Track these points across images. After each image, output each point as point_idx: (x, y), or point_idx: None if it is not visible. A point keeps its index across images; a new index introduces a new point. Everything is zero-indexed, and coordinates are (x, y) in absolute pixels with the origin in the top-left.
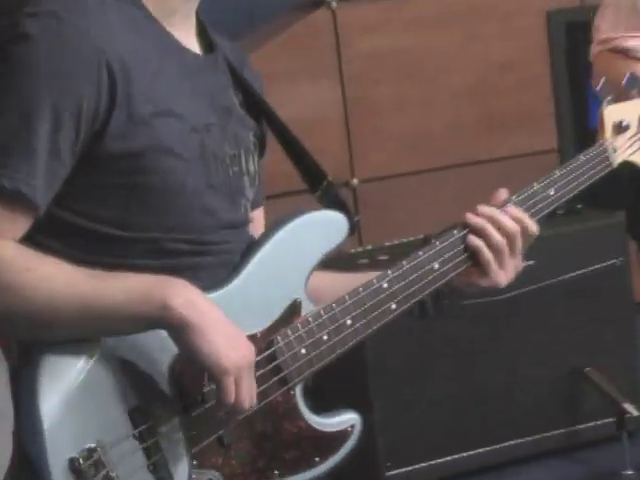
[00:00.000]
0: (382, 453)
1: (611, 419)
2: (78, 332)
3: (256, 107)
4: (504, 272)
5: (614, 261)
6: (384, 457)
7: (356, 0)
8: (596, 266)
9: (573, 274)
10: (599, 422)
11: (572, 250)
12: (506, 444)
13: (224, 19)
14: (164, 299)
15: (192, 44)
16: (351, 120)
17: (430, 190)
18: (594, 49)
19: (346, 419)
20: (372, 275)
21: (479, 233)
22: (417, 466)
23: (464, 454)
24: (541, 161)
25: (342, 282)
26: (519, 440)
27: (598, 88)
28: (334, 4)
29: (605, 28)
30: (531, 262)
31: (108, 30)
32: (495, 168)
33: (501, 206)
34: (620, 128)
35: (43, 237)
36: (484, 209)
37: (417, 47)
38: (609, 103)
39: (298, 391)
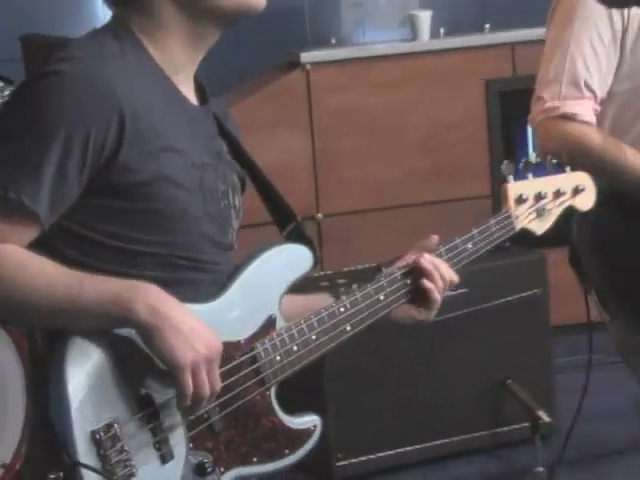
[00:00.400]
0: (334, 446)
1: (527, 424)
2: (62, 324)
3: (238, 154)
4: (436, 306)
5: (535, 291)
6: (336, 450)
7: (326, 64)
8: (520, 295)
9: (500, 301)
10: (517, 426)
11: (500, 281)
12: (440, 441)
13: (217, 74)
14: (129, 304)
15: (191, 96)
16: (319, 166)
17: (386, 225)
18: (537, 117)
19: (310, 420)
20: (325, 297)
21: (429, 277)
22: (364, 458)
23: (404, 449)
24: (478, 203)
25: (301, 303)
26: (452, 439)
27: (540, 160)
28: (308, 66)
29: (549, 98)
30: (465, 290)
31: (124, 76)
32: (441, 208)
33: (435, 251)
34: (520, 200)
35: (61, 245)
36: (432, 258)
37: (378, 105)
38: (511, 181)
39: (273, 392)
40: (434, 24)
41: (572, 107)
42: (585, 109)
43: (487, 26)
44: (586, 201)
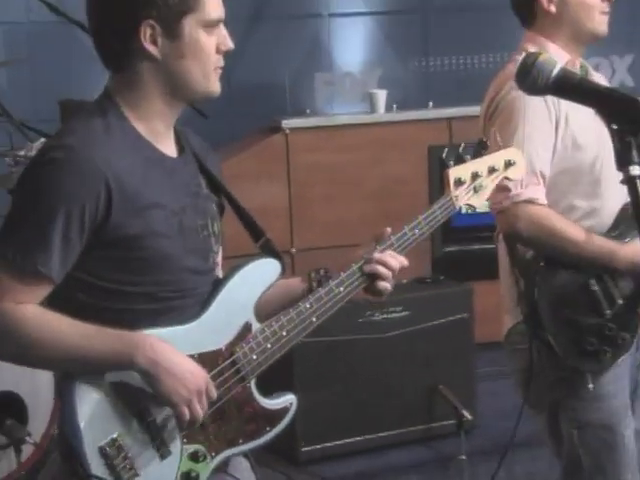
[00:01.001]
0: (299, 434)
1: (454, 421)
2: (73, 372)
3: (216, 186)
4: (386, 292)
5: (463, 315)
6: (301, 437)
7: (302, 129)
8: (451, 317)
9: (435, 322)
10: (446, 422)
11: (436, 306)
12: (385, 433)
13: (212, 135)
14: (133, 358)
15: (170, 149)
16: (293, 209)
17: (347, 258)
18: (504, 202)
19: (286, 399)
20: (296, 280)
21: (380, 263)
22: (325, 444)
23: (355, 438)
24: (419, 244)
25: (277, 290)
26: (394, 431)
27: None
28: (287, 131)
29: (513, 186)
30: (408, 312)
31: (109, 152)
32: None
33: (386, 245)
34: (459, 182)
35: (69, 290)
36: (379, 258)
37: (342, 163)
38: (450, 167)
39: (252, 384)
40: (388, 101)
41: (533, 193)
42: (541, 194)
43: (430, 104)
44: (517, 172)
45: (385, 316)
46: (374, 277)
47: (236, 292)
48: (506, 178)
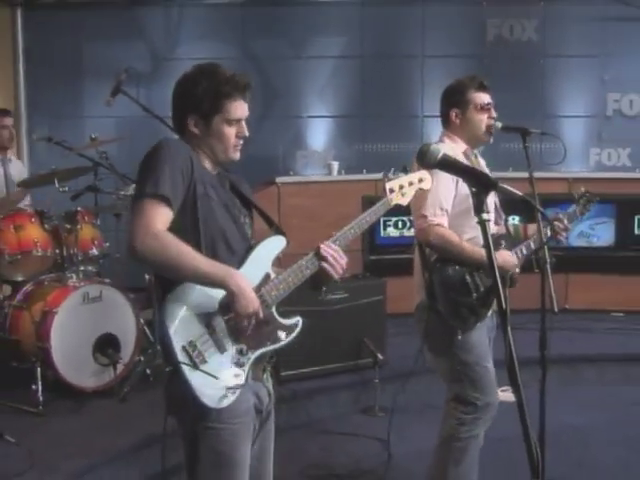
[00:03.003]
0: (280, 363)
1: (372, 359)
2: (187, 279)
3: (245, 201)
4: (336, 273)
5: (380, 297)
6: (281, 365)
7: (289, 183)
8: (373, 298)
9: (363, 301)
10: (367, 360)
11: (364, 291)
12: (333, 365)
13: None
14: (227, 279)
15: (213, 171)
16: None
17: None
18: (423, 224)
19: (295, 320)
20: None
21: (325, 260)
22: (297, 370)
23: (315, 367)
24: (355, 255)
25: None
26: (339, 364)
27: (421, 243)
28: (280, 184)
29: (429, 214)
30: (346, 295)
31: (188, 154)
32: None
33: (332, 239)
34: (392, 190)
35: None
36: (326, 247)
37: (312, 205)
38: (390, 178)
39: (274, 309)
40: (339, 168)
41: (440, 220)
42: (445, 221)
43: (364, 170)
44: (426, 184)
45: (333, 296)
46: (323, 259)
47: (261, 255)
48: (420, 188)
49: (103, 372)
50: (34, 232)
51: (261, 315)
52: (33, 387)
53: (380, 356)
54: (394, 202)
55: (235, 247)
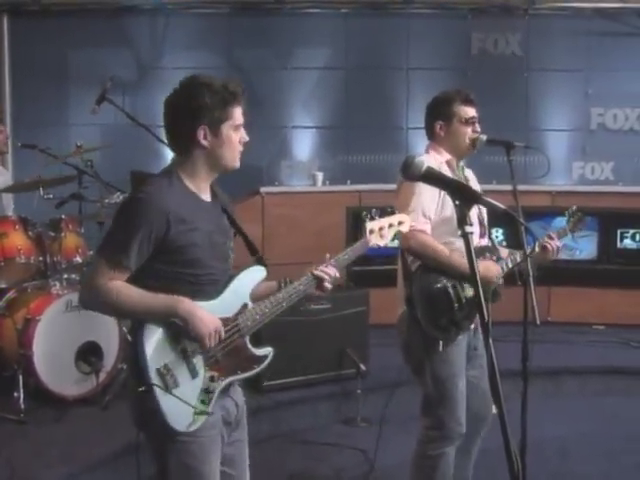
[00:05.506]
0: (263, 373)
1: (354, 370)
2: (142, 319)
3: (232, 221)
4: (327, 290)
5: (363, 308)
6: (264, 375)
7: (273, 193)
8: (356, 309)
9: (346, 312)
10: (350, 370)
11: (347, 302)
12: (314, 375)
13: None
14: (176, 309)
15: (207, 196)
16: (265, 241)
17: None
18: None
19: (266, 350)
20: (272, 283)
21: (324, 271)
22: (279, 380)
23: (298, 378)
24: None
25: (261, 288)
26: (321, 374)
27: (404, 249)
28: (264, 194)
29: (414, 219)
30: (329, 305)
31: (170, 199)
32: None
33: (328, 262)
34: (372, 231)
35: (143, 278)
36: (321, 269)
37: (296, 215)
38: (372, 218)
39: (247, 339)
40: (323, 179)
41: (423, 226)
42: (428, 228)
43: (348, 181)
44: (405, 227)
45: (317, 307)
46: (320, 279)
47: (240, 285)
48: (399, 231)
49: (85, 380)
50: (18, 239)
51: (222, 334)
52: (15, 395)
53: (363, 367)
54: (372, 243)
55: (215, 278)
